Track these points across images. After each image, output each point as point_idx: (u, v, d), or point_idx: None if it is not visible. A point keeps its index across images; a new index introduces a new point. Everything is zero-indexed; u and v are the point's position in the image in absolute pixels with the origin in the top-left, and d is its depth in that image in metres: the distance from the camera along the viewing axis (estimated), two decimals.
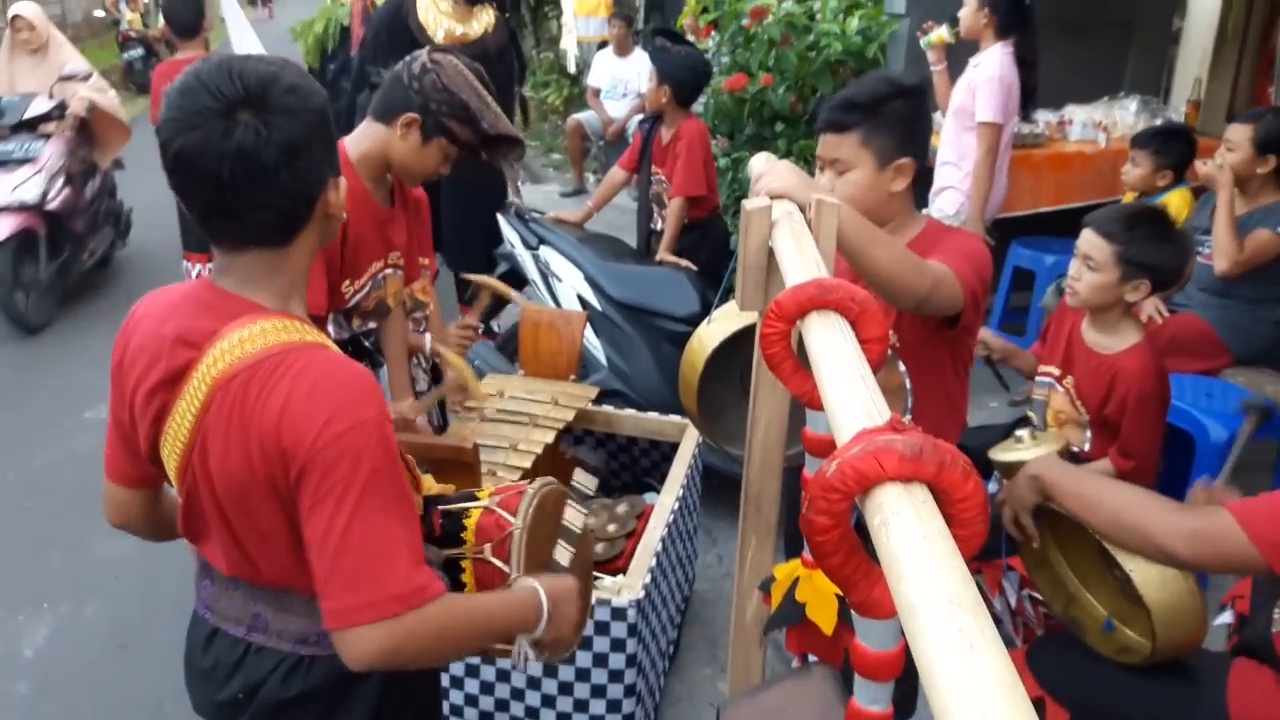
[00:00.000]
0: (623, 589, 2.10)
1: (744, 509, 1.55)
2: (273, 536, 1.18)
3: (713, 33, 5.38)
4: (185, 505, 1.23)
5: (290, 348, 1.13)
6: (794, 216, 1.36)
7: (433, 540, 1.34)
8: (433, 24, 4.11)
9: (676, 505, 2.45)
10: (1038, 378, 2.51)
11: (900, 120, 1.86)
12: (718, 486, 3.24)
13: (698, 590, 3.02)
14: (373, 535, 1.09)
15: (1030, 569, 1.99)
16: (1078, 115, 4.61)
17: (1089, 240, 2.24)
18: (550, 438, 2.52)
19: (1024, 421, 2.51)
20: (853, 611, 0.74)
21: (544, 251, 3.62)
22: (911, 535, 0.59)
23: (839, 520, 0.66)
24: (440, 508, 1.38)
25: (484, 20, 4.19)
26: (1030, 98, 3.78)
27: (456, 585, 1.34)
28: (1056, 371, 2.44)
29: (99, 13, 14.84)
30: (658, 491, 2.74)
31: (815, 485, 0.66)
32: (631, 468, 3.06)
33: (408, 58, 2.10)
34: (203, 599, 1.33)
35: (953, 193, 3.88)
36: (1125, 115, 4.61)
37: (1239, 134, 3.08)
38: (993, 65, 3.63)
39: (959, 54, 4.03)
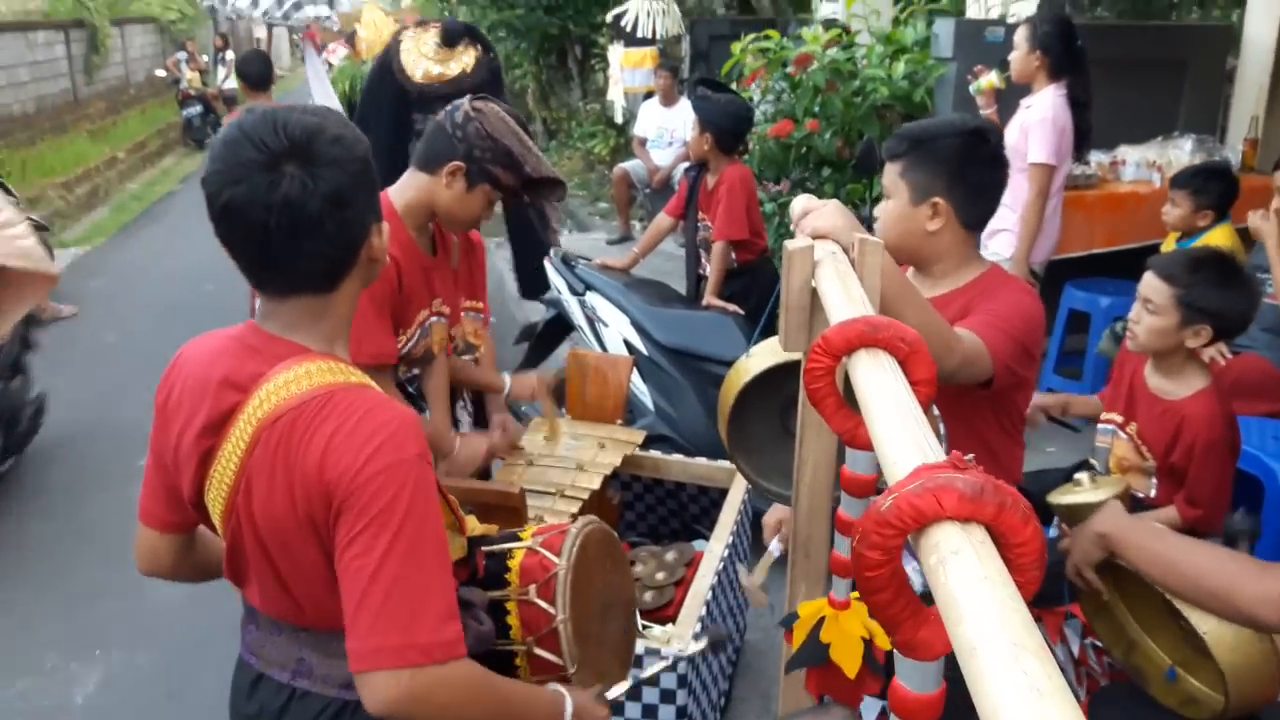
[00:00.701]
0: (672, 638, 2.06)
1: (792, 555, 1.51)
2: (315, 578, 1.17)
3: (757, 80, 5.42)
4: (230, 548, 1.23)
5: (335, 388, 1.14)
6: (838, 256, 1.34)
7: (476, 582, 1.32)
8: (412, 65, 4.29)
9: (726, 552, 2.41)
10: (1100, 425, 2.45)
11: (946, 159, 1.82)
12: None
13: (749, 640, 2.96)
14: (405, 579, 1.08)
15: (1089, 615, 1.92)
16: (1131, 156, 4.55)
17: (1149, 283, 2.19)
18: (597, 483, 2.50)
19: (1084, 465, 2.44)
20: (895, 652, 0.71)
21: (590, 297, 3.63)
22: (972, 575, 0.56)
23: (891, 556, 0.63)
24: (484, 549, 1.36)
25: (463, 61, 4.33)
26: (1085, 140, 3.74)
27: (502, 628, 1.32)
28: (1119, 419, 2.38)
29: (160, 72, 15.41)
30: (707, 538, 2.70)
31: (870, 520, 0.63)
32: (680, 514, 3.02)
33: (449, 107, 2.13)
34: (247, 643, 1.33)
35: (1007, 235, 3.83)
36: (1180, 155, 4.53)
37: None
38: (1045, 106, 3.60)
39: (1008, 99, 4.00)
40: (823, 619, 1.37)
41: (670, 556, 2.71)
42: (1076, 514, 2.22)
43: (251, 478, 1.15)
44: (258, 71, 5.28)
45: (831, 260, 1.32)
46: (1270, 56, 5.02)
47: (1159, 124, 4.89)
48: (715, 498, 2.87)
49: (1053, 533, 2.46)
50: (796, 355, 1.53)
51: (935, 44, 4.88)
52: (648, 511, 3.05)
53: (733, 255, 3.88)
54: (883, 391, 0.87)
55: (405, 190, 2.13)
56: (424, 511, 1.11)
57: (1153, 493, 2.33)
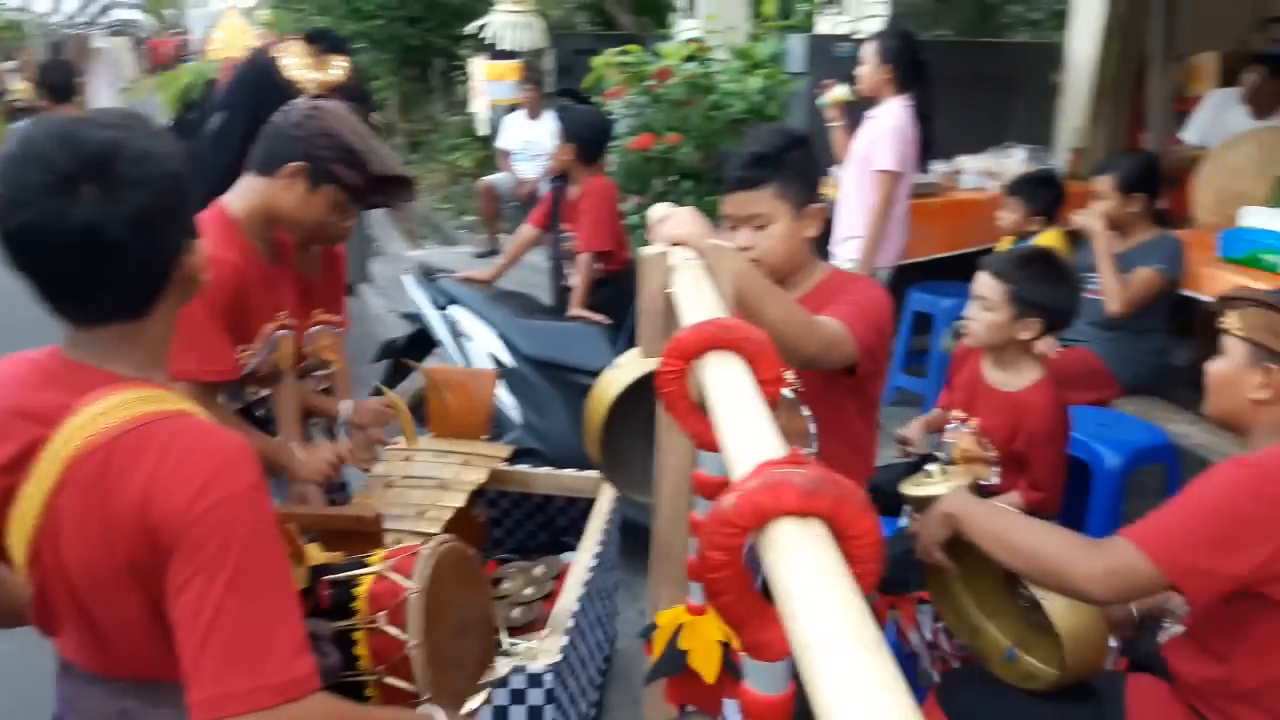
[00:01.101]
0: (539, 653, 2.04)
1: (654, 561, 1.52)
2: (136, 628, 1.09)
3: (621, 94, 5.47)
4: (37, 596, 1.13)
5: (154, 418, 1.05)
6: (692, 262, 1.37)
7: (321, 613, 1.27)
8: (298, 75, 4.17)
9: (594, 562, 2.41)
10: (947, 425, 2.57)
11: (804, 168, 1.90)
12: (641, 540, 3.20)
13: (621, 648, 2.96)
14: (248, 618, 1.01)
15: (936, 601, 2.01)
16: (969, 165, 4.79)
17: (983, 281, 2.32)
18: (461, 500, 2.46)
19: (932, 458, 2.55)
20: (743, 655, 0.72)
21: (453, 311, 3.58)
22: (808, 571, 0.57)
23: (733, 556, 0.65)
24: (327, 578, 1.31)
25: (340, 65, 4.23)
26: (929, 150, 3.91)
27: (350, 659, 1.28)
28: (963, 414, 2.51)
29: None
30: (576, 550, 2.70)
31: (711, 520, 0.64)
32: (549, 527, 3.01)
33: (284, 108, 2.03)
34: (63, 696, 1.22)
35: (858, 241, 3.97)
36: (1013, 164, 4.80)
37: (1104, 184, 3.26)
38: (892, 117, 3.75)
39: (854, 111, 4.16)
40: (681, 626, 1.38)
41: (538, 571, 2.69)
42: (927, 505, 2.32)
43: (60, 521, 1.05)
44: (58, 80, 4.67)
45: (687, 266, 1.35)
46: (1091, 72, 5.37)
47: (993, 135, 5.17)
48: (585, 508, 2.86)
49: (905, 522, 2.57)
50: (657, 364, 1.55)
51: (788, 59, 5.04)
52: (516, 527, 3.02)
53: (598, 266, 3.89)
54: (729, 392, 0.89)
55: (243, 196, 2.00)
56: (263, 544, 1.04)
57: (995, 480, 2.46)
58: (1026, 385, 2.36)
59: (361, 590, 1.29)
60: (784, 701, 0.74)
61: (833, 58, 5.00)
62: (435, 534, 2.29)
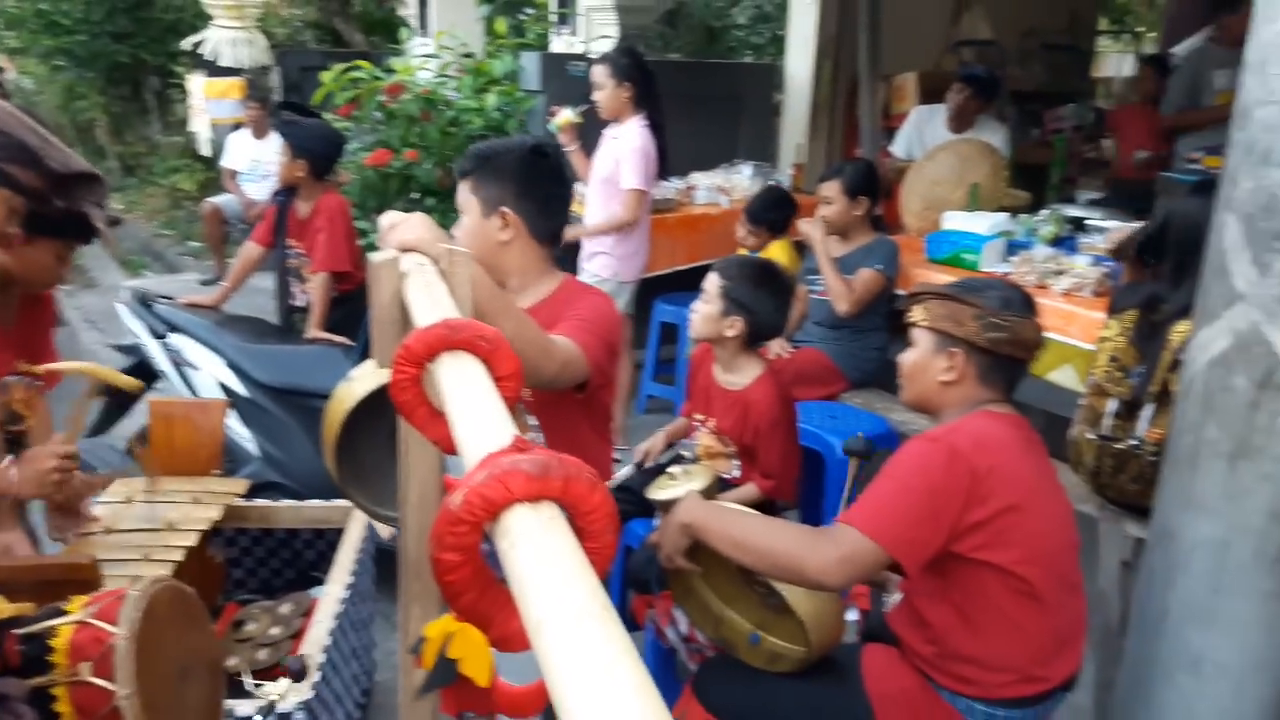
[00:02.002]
0: (289, 692, 1.92)
1: (404, 579, 1.46)
2: None
3: (354, 110, 5.29)
4: None
5: None
6: (426, 268, 1.33)
7: (11, 671, 1.12)
8: None
9: (346, 594, 2.29)
10: (695, 425, 2.67)
11: (512, 173, 1.88)
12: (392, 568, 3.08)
13: (380, 680, 2.84)
14: None
15: (679, 599, 2.07)
16: (702, 181, 5.00)
17: (709, 277, 2.48)
18: (192, 540, 2.27)
19: (679, 459, 2.64)
20: (494, 652, 0.70)
21: (175, 339, 3.31)
22: (538, 553, 0.56)
23: (469, 555, 0.62)
24: (17, 632, 1.16)
25: None
26: (664, 162, 4.04)
27: (49, 717, 1.14)
28: (702, 417, 2.63)
29: None
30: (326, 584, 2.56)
31: (441, 521, 0.61)
32: (295, 562, 2.83)
33: None
34: None
35: (605, 258, 4.04)
36: (742, 180, 5.06)
37: (831, 189, 3.48)
38: (634, 136, 3.85)
39: (584, 132, 4.26)
40: (450, 635, 1.33)
41: (285, 609, 2.53)
42: (673, 505, 2.38)
43: None
44: None
45: (419, 272, 1.30)
46: (808, 92, 5.76)
47: (722, 152, 5.43)
48: (333, 539, 2.72)
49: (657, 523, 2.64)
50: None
51: (523, 77, 5.06)
52: (259, 565, 2.83)
53: (334, 285, 3.73)
54: (464, 393, 0.86)
55: None
56: None
57: (737, 474, 2.59)
58: (749, 382, 2.52)
59: (60, 642, 1.14)
60: (536, 691, 0.72)
61: (567, 76, 5.08)
62: (155, 574, 2.10)
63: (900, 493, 1.64)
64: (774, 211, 3.96)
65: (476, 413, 0.80)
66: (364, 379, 1.58)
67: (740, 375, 2.53)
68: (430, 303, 1.17)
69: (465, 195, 1.89)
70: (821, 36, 5.71)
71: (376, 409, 1.65)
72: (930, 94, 5.70)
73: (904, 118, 5.44)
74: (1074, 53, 7.22)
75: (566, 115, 4.12)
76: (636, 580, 2.51)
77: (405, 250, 1.39)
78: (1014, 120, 5.81)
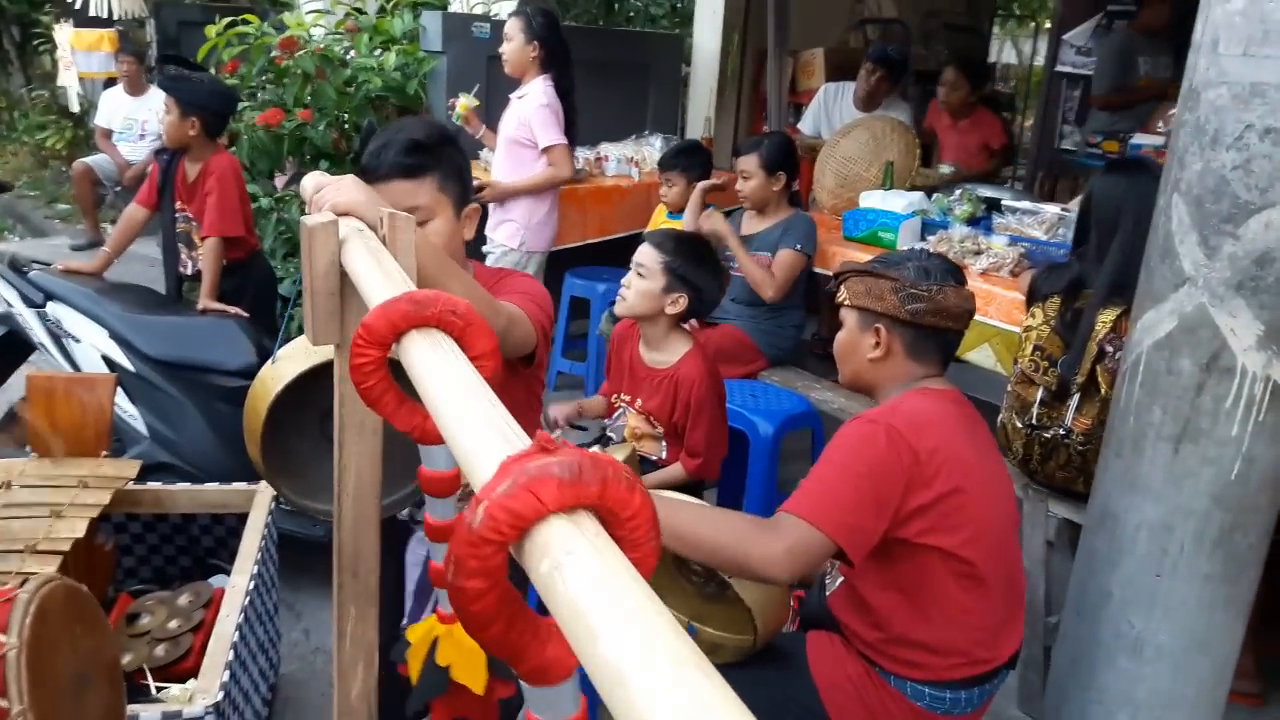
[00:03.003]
0: (195, 695, 1.77)
1: (338, 576, 1.34)
2: None
3: (240, 67, 4.99)
4: None
5: None
6: (366, 233, 1.20)
7: None
8: None
9: (252, 585, 2.14)
10: (619, 406, 2.58)
11: (460, 166, 1.75)
12: (297, 554, 2.92)
13: (286, 673, 2.69)
14: None
15: None
16: (612, 152, 4.90)
17: (644, 251, 2.38)
18: (81, 530, 2.07)
19: (603, 441, 2.56)
20: (523, 684, 0.60)
21: (54, 308, 3.04)
22: (594, 579, 0.47)
23: (496, 580, 0.52)
24: None
25: None
26: (573, 127, 3.93)
27: None
28: (627, 397, 2.54)
29: None
30: (227, 573, 2.39)
31: (461, 544, 0.51)
32: (191, 549, 2.65)
33: None
34: None
35: (512, 225, 3.91)
36: (652, 151, 4.98)
37: (749, 163, 3.42)
38: (539, 94, 3.74)
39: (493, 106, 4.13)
40: (436, 639, 1.22)
41: (184, 600, 2.35)
42: None
43: None
44: None
45: (359, 238, 1.18)
46: (715, 64, 5.70)
47: (631, 124, 5.34)
48: (233, 525, 2.55)
49: None
50: (329, 352, 1.36)
51: (424, 37, 4.85)
52: (151, 553, 2.63)
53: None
54: (443, 375, 0.75)
55: None
56: None
57: (664, 455, 2.51)
58: (678, 360, 2.44)
59: None
60: None
61: (471, 38, 4.89)
62: (45, 573, 1.92)
63: (842, 478, 1.58)
64: (685, 157, 3.88)
65: (468, 400, 0.70)
66: (293, 359, 1.44)
67: (668, 353, 2.45)
68: (381, 273, 1.04)
69: (433, 195, 1.66)
70: (729, 9, 5.65)
71: (303, 393, 1.52)
72: (837, 70, 5.72)
73: (811, 94, 5.44)
74: (974, 34, 7.36)
75: (464, 102, 4.01)
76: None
77: (339, 215, 1.26)
78: (915, 99, 5.87)
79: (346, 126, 4.69)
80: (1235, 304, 1.60)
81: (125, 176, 6.78)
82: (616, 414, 2.59)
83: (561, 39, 3.89)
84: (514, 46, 3.83)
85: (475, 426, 0.66)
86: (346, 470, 1.28)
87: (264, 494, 2.49)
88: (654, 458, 2.50)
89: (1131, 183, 2.32)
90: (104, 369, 2.91)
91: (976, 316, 3.03)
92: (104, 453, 2.40)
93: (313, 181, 1.35)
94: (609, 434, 2.57)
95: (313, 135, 4.56)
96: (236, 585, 2.12)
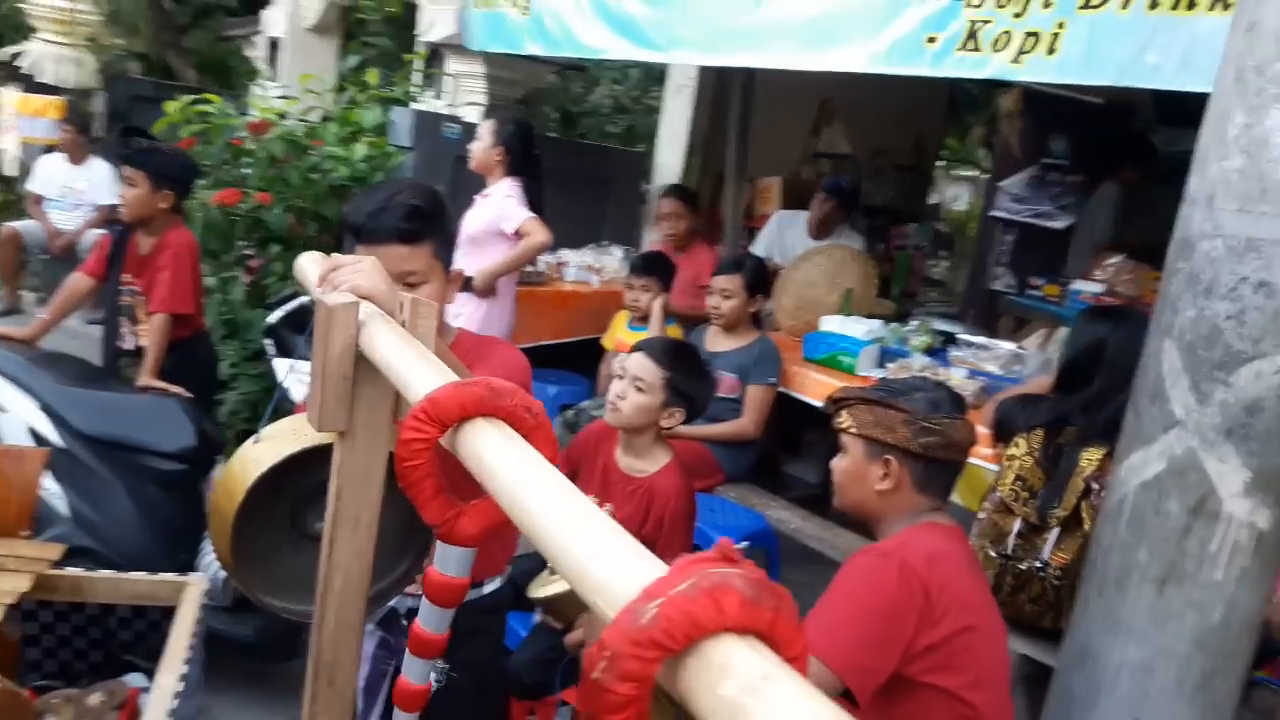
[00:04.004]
0: None
1: (312, 685, 1.22)
2: None
3: (195, 145, 4.92)
4: None
5: None
6: (386, 317, 1.14)
7: None
8: None
9: (180, 685, 1.96)
10: None
11: (452, 234, 1.77)
12: (215, 654, 2.72)
13: None
14: None
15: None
16: (572, 258, 4.92)
17: (641, 364, 2.32)
18: None
19: None
20: None
21: None
22: (799, 711, 0.41)
23: (645, 688, 0.46)
24: None
25: None
26: None
27: None
28: (596, 500, 2.46)
29: None
30: (143, 671, 2.21)
31: (623, 638, 0.45)
32: (104, 644, 2.44)
33: None
34: None
35: (462, 321, 3.85)
36: (611, 260, 5.02)
37: (733, 283, 3.44)
38: (506, 190, 3.77)
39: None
40: None
41: (94, 700, 2.16)
42: (556, 604, 2.19)
43: None
44: None
45: (381, 320, 1.12)
46: (676, 182, 5.82)
47: (591, 233, 5.39)
48: (156, 619, 2.36)
49: (538, 618, 2.44)
50: (324, 437, 1.28)
51: (393, 131, 4.86)
52: (60, 645, 2.41)
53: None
54: (528, 468, 0.69)
55: None
56: None
57: None
58: (657, 470, 2.38)
59: None
60: None
61: (440, 136, 4.92)
62: None
63: (852, 614, 1.53)
64: (658, 266, 3.91)
65: (568, 498, 0.64)
66: (279, 440, 1.34)
67: (648, 463, 2.39)
68: (416, 354, 0.99)
69: (428, 261, 1.65)
70: (693, 133, 5.81)
71: (277, 480, 1.42)
72: (791, 199, 5.89)
73: (765, 218, 5.57)
74: (919, 175, 7.68)
75: None
76: (521, 684, 2.30)
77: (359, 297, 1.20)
78: (862, 232, 6.06)
79: (304, 212, 4.62)
80: (1225, 449, 1.62)
81: (54, 244, 6.59)
82: None
83: (531, 150, 3.94)
84: (481, 146, 3.89)
85: (588, 527, 0.60)
86: (335, 570, 1.19)
87: (194, 587, 2.32)
88: None
89: (1116, 327, 2.38)
90: (30, 443, 2.73)
91: None
92: (24, 533, 2.23)
93: (325, 263, 1.29)
94: None
95: (269, 218, 4.48)
96: (162, 687, 1.94)
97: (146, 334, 3.26)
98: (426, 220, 1.66)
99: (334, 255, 1.32)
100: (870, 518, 1.77)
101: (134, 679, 2.29)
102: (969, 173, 13.86)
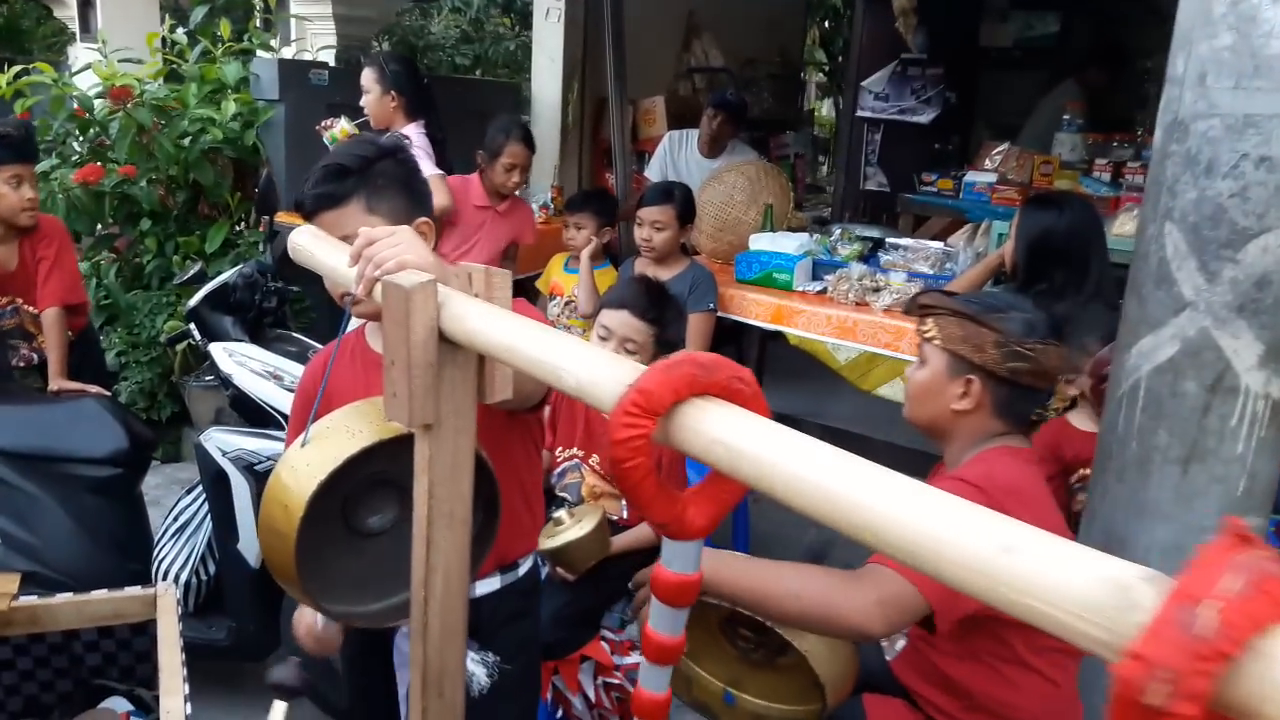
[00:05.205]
0: None
1: (421, 699, 1.13)
2: None
3: (31, 118, 4.46)
4: None
5: None
6: (466, 295, 1.03)
7: None
8: None
9: (188, 707, 1.82)
10: (563, 463, 2.43)
11: (398, 180, 1.59)
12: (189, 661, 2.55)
13: None
14: None
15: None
16: None
17: (628, 324, 2.26)
18: None
19: (559, 503, 2.39)
20: None
21: None
22: None
23: (1206, 703, 0.41)
24: None
25: None
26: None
27: None
28: (580, 453, 2.39)
29: None
30: (122, 693, 2.06)
31: (1180, 655, 0.39)
32: (72, 671, 2.25)
33: None
34: None
35: None
36: None
37: (665, 214, 3.31)
38: (412, 137, 3.54)
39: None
40: None
41: None
42: (566, 554, 2.14)
43: None
44: None
45: (462, 297, 1.01)
46: (557, 112, 5.64)
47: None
48: (124, 638, 2.19)
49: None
50: (383, 431, 1.17)
51: (256, 85, 4.51)
52: (22, 680, 2.21)
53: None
54: (791, 443, 0.62)
55: None
56: None
57: (625, 514, 2.37)
58: None
59: None
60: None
61: (309, 85, 4.60)
62: None
63: None
64: (595, 201, 3.74)
65: (847, 464, 0.57)
66: (333, 440, 1.20)
67: None
68: (538, 332, 0.89)
69: (360, 218, 1.49)
70: (567, 59, 5.62)
71: (333, 482, 1.29)
72: (675, 119, 5.79)
73: (654, 141, 5.47)
74: (791, 83, 7.67)
75: (343, 127, 3.71)
76: (543, 645, 2.23)
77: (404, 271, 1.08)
78: (752, 146, 6.04)
79: (173, 182, 4.27)
80: (1238, 325, 1.66)
81: None
82: (560, 469, 2.43)
83: (422, 85, 3.73)
84: (372, 99, 3.66)
85: (922, 507, 0.53)
86: (434, 572, 1.09)
87: (167, 597, 2.15)
88: (614, 517, 2.35)
89: (1074, 214, 2.41)
90: None
91: (888, 351, 3.12)
92: None
93: (359, 239, 1.16)
94: (559, 494, 2.40)
95: (136, 193, 4.13)
96: (171, 711, 1.80)
97: (46, 335, 2.94)
98: (350, 177, 1.51)
99: (364, 230, 1.19)
100: (941, 436, 1.71)
101: (115, 703, 2.13)
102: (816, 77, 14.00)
